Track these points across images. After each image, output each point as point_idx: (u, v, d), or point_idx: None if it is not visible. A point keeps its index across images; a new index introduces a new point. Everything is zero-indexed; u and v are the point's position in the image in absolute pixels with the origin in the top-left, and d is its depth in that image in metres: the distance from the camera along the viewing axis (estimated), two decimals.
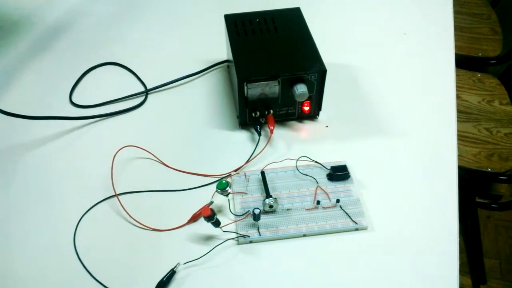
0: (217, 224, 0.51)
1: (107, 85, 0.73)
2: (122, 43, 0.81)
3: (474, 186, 0.96)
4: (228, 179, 0.58)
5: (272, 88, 0.60)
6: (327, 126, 0.66)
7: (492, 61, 1.25)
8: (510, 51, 1.24)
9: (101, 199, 0.57)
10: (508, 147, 1.03)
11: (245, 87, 0.59)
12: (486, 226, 1.45)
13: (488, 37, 1.32)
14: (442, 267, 0.50)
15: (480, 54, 1.26)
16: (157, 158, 0.62)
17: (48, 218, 0.55)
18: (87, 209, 0.56)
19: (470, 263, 1.22)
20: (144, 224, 0.54)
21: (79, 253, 0.52)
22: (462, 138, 1.05)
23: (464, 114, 1.11)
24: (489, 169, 0.98)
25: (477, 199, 1.01)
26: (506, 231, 1.43)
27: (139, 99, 0.70)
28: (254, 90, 0.60)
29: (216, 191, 0.52)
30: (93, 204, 0.56)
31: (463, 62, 1.25)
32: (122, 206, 0.55)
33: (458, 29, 1.30)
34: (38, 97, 0.71)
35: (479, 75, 1.20)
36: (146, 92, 0.71)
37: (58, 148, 0.63)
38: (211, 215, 0.49)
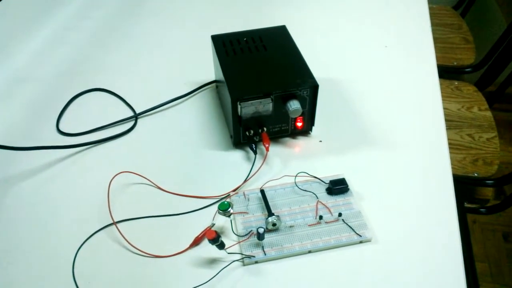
0: (221, 246, 0.50)
1: (94, 112, 0.72)
2: (106, 69, 0.80)
3: (462, 192, 0.97)
4: (228, 200, 0.57)
5: (265, 105, 0.60)
6: (320, 141, 0.66)
7: (468, 69, 1.29)
8: (484, 59, 1.28)
9: (98, 228, 0.55)
10: (491, 151, 1.05)
11: (239, 106, 0.59)
12: (473, 230, 1.47)
13: (461, 46, 1.36)
14: (448, 273, 0.50)
15: (455, 63, 1.30)
16: (152, 183, 0.60)
17: (43, 252, 0.53)
18: (84, 240, 0.54)
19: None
20: (145, 251, 0.53)
21: (79, 287, 0.50)
22: None
23: (445, 121, 1.13)
24: (476, 174, 1.00)
25: (466, 205, 1.03)
26: (493, 235, 1.46)
27: (129, 124, 0.69)
28: (248, 108, 0.60)
29: (218, 212, 0.51)
30: (90, 234, 0.55)
31: (439, 71, 1.28)
32: (121, 234, 0.54)
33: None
34: (24, 128, 0.69)
35: (456, 83, 1.23)
36: (136, 116, 0.70)
37: (48, 178, 0.62)
38: (215, 238, 0.48)
